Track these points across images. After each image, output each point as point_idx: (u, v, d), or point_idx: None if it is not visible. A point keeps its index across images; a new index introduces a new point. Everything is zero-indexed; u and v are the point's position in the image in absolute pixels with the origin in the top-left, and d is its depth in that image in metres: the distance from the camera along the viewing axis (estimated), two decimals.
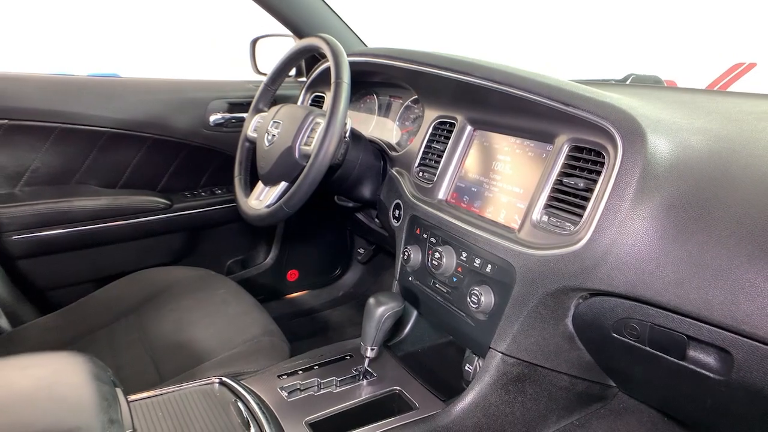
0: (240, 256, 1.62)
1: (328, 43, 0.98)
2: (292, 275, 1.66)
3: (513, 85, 0.78)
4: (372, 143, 1.15)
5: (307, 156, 0.93)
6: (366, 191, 1.13)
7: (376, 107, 1.26)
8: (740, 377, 0.56)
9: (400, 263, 0.97)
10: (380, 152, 1.13)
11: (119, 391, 0.60)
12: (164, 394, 0.75)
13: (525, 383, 0.78)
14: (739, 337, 0.54)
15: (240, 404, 0.73)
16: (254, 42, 1.54)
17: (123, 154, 1.34)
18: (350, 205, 1.21)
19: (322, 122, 0.92)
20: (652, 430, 0.90)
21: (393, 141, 1.17)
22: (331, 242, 1.72)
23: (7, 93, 1.18)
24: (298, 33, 1.39)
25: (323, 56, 1.25)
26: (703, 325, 0.57)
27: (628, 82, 1.28)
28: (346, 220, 1.42)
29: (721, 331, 0.56)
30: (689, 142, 0.64)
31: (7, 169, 1.22)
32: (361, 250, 1.70)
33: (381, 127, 1.24)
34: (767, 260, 0.52)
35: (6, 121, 1.17)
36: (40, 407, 0.52)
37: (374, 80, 1.22)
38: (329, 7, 1.39)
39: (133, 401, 0.73)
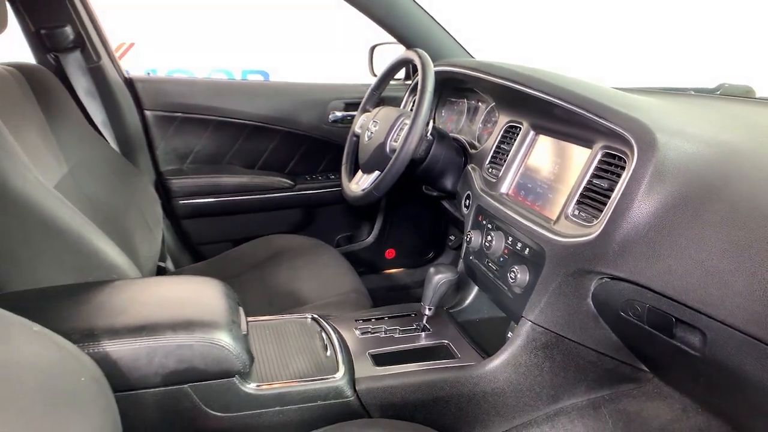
0: (347, 233, 1.90)
1: (419, 57, 1.18)
2: (390, 253, 1.90)
3: (561, 98, 0.92)
4: (456, 141, 1.33)
5: (394, 150, 1.14)
6: (448, 183, 1.31)
7: (465, 109, 1.44)
8: (712, 354, 0.67)
9: (465, 245, 1.15)
10: (462, 149, 1.31)
11: (240, 309, 0.88)
12: (271, 320, 1.03)
13: (553, 351, 0.92)
14: (710, 320, 0.65)
15: (323, 334, 0.98)
16: (372, 49, 1.79)
17: (260, 143, 1.68)
18: (434, 194, 1.40)
19: (408, 123, 1.12)
20: (681, 417, 0.98)
21: (474, 140, 1.33)
22: (427, 228, 1.92)
23: (182, 93, 1.56)
24: (406, 43, 1.60)
25: None
26: (685, 308, 0.68)
27: (718, 92, 1.30)
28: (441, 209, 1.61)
29: (696, 313, 0.66)
30: (699, 153, 0.74)
31: (178, 150, 1.62)
32: (452, 237, 1.88)
33: (467, 127, 1.41)
34: (737, 256, 0.62)
35: (180, 114, 1.56)
36: (190, 305, 0.80)
37: (464, 86, 1.40)
38: (435, 20, 1.58)
39: (249, 321, 1.01)
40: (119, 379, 0.71)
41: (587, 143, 0.90)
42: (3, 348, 0.56)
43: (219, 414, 0.79)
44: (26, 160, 0.86)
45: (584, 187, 0.86)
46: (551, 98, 0.93)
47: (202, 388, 0.77)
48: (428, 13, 1.57)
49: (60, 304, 0.77)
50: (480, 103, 1.37)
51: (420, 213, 1.88)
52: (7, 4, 1.09)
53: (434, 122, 1.56)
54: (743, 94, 1.26)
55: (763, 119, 0.89)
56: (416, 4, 1.54)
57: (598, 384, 0.98)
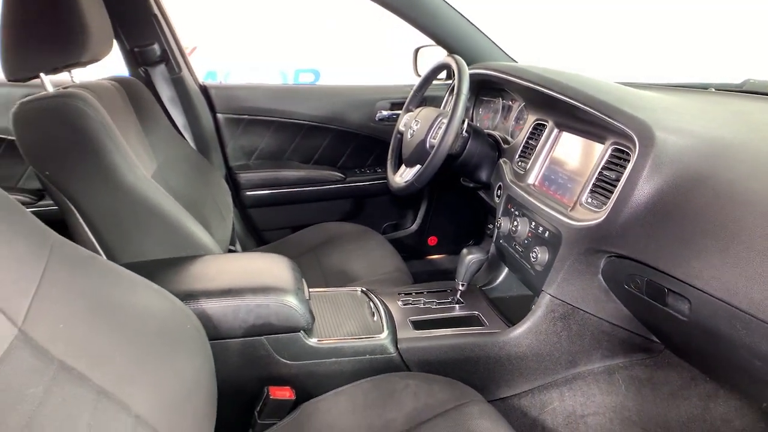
0: (393, 221, 2.07)
1: (456, 62, 1.32)
2: (432, 240, 2.06)
3: (579, 100, 1.05)
4: (490, 137, 1.47)
5: (433, 146, 1.30)
6: (483, 175, 1.46)
7: (500, 108, 1.57)
8: (696, 318, 0.79)
9: (495, 230, 1.29)
10: (496, 144, 1.45)
11: (303, 280, 1.06)
12: (327, 291, 1.21)
13: (569, 321, 1.06)
14: (693, 289, 0.77)
15: (371, 303, 1.16)
16: (416, 51, 1.94)
17: (315, 141, 1.88)
18: (471, 185, 1.55)
19: (446, 122, 1.27)
20: (690, 385, 1.09)
21: (508, 135, 1.47)
22: (467, 217, 2.07)
23: (248, 98, 1.77)
24: (447, 47, 1.74)
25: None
26: (674, 279, 0.80)
27: (743, 88, 1.37)
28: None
29: (682, 284, 0.79)
30: (692, 147, 0.85)
31: (245, 148, 1.84)
32: (491, 226, 2.01)
33: (501, 124, 1.55)
34: (714, 235, 0.74)
35: (246, 116, 1.78)
36: (265, 274, 0.99)
37: (498, 87, 1.53)
38: (474, 25, 1.72)
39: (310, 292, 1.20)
40: (212, 330, 0.91)
41: (601, 139, 1.02)
42: (133, 299, 0.77)
43: (287, 361, 0.98)
44: (133, 157, 1.08)
45: (596, 178, 0.99)
46: (570, 100, 1.06)
47: (274, 340, 0.96)
48: (467, 19, 1.70)
49: (167, 272, 0.98)
50: (513, 103, 1.50)
51: (460, 203, 2.02)
52: None
53: (472, 119, 1.70)
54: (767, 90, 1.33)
55: (756, 117, 0.98)
56: (456, 11, 1.68)
57: (613, 352, 1.10)
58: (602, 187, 0.97)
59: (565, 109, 1.13)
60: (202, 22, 4.29)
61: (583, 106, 1.03)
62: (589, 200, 0.99)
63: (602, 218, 0.91)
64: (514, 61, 1.76)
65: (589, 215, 0.96)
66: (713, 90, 1.29)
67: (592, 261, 0.97)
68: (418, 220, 2.02)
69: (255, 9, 4.54)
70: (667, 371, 1.11)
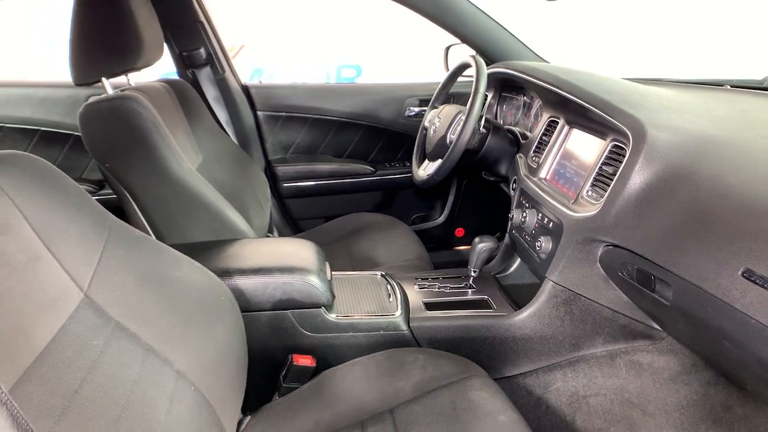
0: (422, 213, 2.17)
1: (475, 63, 1.40)
2: (459, 232, 2.14)
3: (584, 99, 1.11)
4: (510, 132, 1.54)
5: (452, 142, 1.38)
6: (502, 169, 1.53)
7: (521, 104, 1.63)
8: (677, 303, 0.85)
9: (509, 222, 1.37)
10: (515, 139, 1.52)
11: (327, 263, 1.18)
12: (350, 274, 1.33)
13: (571, 306, 1.13)
14: (674, 276, 0.84)
15: (388, 286, 1.27)
16: (447, 48, 2.02)
17: (347, 136, 2.00)
18: (491, 179, 1.62)
19: (464, 119, 1.36)
20: (690, 371, 1.14)
21: (527, 131, 1.53)
22: (493, 209, 2.13)
23: (285, 96, 1.91)
24: (474, 46, 1.81)
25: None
26: (658, 267, 0.87)
27: (764, 84, 1.39)
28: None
29: (665, 270, 0.85)
30: (682, 144, 0.91)
31: (282, 143, 1.98)
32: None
33: (522, 120, 1.61)
34: (691, 225, 0.80)
35: (284, 113, 1.92)
36: (292, 256, 1.12)
37: (518, 85, 1.60)
38: (500, 25, 1.78)
39: (334, 275, 1.32)
40: (244, 303, 1.04)
41: (603, 136, 1.09)
42: (177, 274, 0.90)
43: (310, 333, 1.11)
44: (180, 151, 1.23)
45: (596, 173, 1.06)
46: (577, 99, 1.13)
47: (298, 314, 1.09)
48: (492, 18, 1.77)
49: (207, 252, 1.12)
50: (532, 100, 1.57)
51: (487, 196, 2.09)
52: None
53: (496, 115, 1.77)
54: None
55: (743, 116, 1.02)
56: (481, 11, 1.74)
57: (614, 338, 1.16)
58: (602, 181, 1.04)
59: (575, 107, 1.20)
60: (249, 21, 4.48)
61: (587, 104, 1.09)
62: (590, 193, 1.06)
63: (597, 210, 0.98)
64: (540, 57, 1.82)
65: (588, 207, 1.03)
66: (728, 87, 1.31)
67: (590, 250, 1.04)
68: (446, 212, 2.11)
69: (300, 7, 4.70)
70: (668, 357, 1.16)
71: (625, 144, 0.99)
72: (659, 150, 0.91)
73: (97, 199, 0.83)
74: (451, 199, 2.09)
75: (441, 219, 2.12)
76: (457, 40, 1.91)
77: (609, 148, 1.04)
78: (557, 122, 1.29)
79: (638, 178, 0.91)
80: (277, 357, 1.11)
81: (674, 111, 1.04)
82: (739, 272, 0.71)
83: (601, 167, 1.05)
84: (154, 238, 1.20)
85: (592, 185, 1.06)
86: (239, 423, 0.99)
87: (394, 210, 2.09)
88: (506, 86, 1.71)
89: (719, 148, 0.89)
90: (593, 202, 1.03)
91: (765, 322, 0.67)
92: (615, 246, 0.98)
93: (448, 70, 2.00)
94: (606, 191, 0.99)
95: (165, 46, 1.52)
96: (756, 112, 1.06)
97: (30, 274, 0.64)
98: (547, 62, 1.79)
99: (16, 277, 0.62)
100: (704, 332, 0.84)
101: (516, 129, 1.56)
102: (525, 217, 1.23)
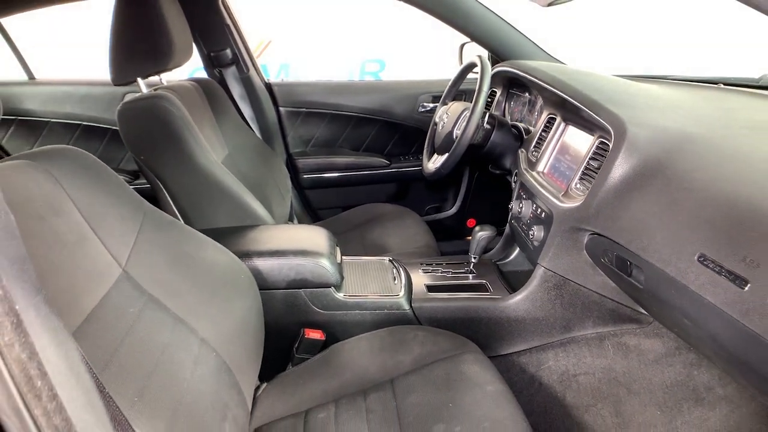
0: (435, 204, 2.26)
1: (481, 61, 1.49)
2: (471, 222, 2.23)
3: (575, 97, 1.19)
4: (515, 128, 1.62)
5: (457, 137, 1.48)
6: (507, 163, 1.61)
7: (527, 101, 1.71)
8: (649, 287, 0.93)
9: (510, 213, 1.46)
10: (520, 135, 1.60)
11: (338, 247, 1.30)
12: (360, 259, 1.44)
13: (562, 290, 1.22)
14: (645, 261, 0.92)
15: (394, 270, 1.37)
16: (462, 46, 2.10)
17: (364, 131, 2.11)
18: (497, 172, 1.71)
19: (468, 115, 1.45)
20: (674, 353, 1.21)
21: (531, 127, 1.61)
22: (504, 201, 2.21)
23: (306, 93, 2.03)
24: (484, 45, 1.89)
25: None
26: (632, 253, 0.95)
27: (760, 83, 1.43)
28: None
29: (638, 257, 0.93)
30: (659, 140, 0.98)
31: (303, 137, 2.10)
32: None
33: (527, 116, 1.69)
34: (660, 215, 0.88)
35: (304, 109, 2.03)
36: (306, 241, 1.24)
37: (523, 83, 1.67)
38: (510, 24, 1.85)
39: (346, 260, 1.43)
40: (261, 282, 1.16)
41: (592, 132, 1.16)
42: (202, 254, 1.03)
43: (320, 310, 1.23)
44: (207, 145, 1.36)
45: (584, 167, 1.14)
46: (569, 98, 1.21)
47: (310, 293, 1.21)
48: (502, 18, 1.84)
49: (229, 236, 1.25)
50: (536, 97, 1.64)
51: (497, 188, 2.17)
52: None
53: (504, 111, 1.85)
54: None
55: (751, 113, 1.08)
56: (492, 12, 1.82)
57: (603, 321, 1.25)
58: (589, 174, 1.12)
59: (569, 105, 1.27)
60: (276, 18, 4.61)
61: (577, 102, 1.17)
62: (578, 186, 1.14)
63: (582, 201, 1.07)
64: (550, 55, 1.88)
65: (575, 199, 1.12)
66: (721, 86, 1.36)
67: (577, 238, 1.13)
68: (458, 204, 2.20)
69: (325, 3, 4.80)
70: (653, 340, 1.24)
71: (608, 140, 1.06)
72: (638, 146, 0.99)
73: (133, 188, 0.96)
74: (463, 190, 2.18)
75: (453, 210, 2.21)
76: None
77: (596, 144, 1.12)
78: (555, 119, 1.37)
79: (617, 172, 0.99)
80: (290, 331, 1.23)
81: (658, 109, 1.11)
82: (695, 257, 0.79)
83: (588, 162, 1.13)
84: (183, 223, 1.34)
85: (581, 178, 1.14)
86: (257, 389, 1.12)
87: (408, 201, 2.19)
88: (513, 84, 1.78)
89: (693, 145, 0.96)
90: (579, 194, 1.12)
91: (714, 301, 0.76)
92: (597, 234, 1.06)
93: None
94: (591, 184, 1.07)
95: (194, 47, 1.65)
96: (740, 110, 1.12)
97: (78, 250, 0.77)
98: (559, 61, 1.85)
99: (67, 252, 0.75)
100: (670, 312, 0.92)
101: (521, 125, 1.63)
102: (521, 207, 1.32)
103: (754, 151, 0.86)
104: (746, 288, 0.71)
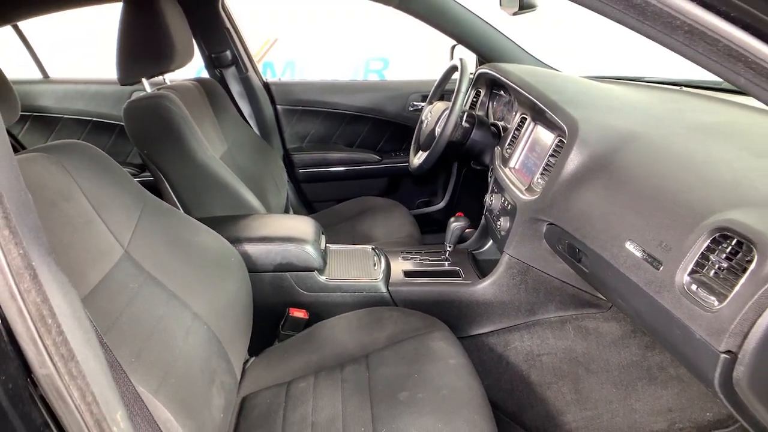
0: (424, 198, 2.38)
1: (461, 64, 1.59)
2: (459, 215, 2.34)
3: (538, 99, 1.29)
4: (494, 126, 1.72)
5: (437, 135, 1.58)
6: (486, 159, 1.71)
7: (507, 101, 1.81)
8: (592, 271, 1.04)
9: (485, 206, 1.56)
10: (498, 133, 1.70)
11: (323, 236, 1.42)
12: (346, 247, 1.56)
13: (526, 276, 1.32)
14: (587, 247, 1.02)
15: (375, 257, 1.49)
16: (453, 47, 2.20)
17: (357, 128, 2.22)
18: (478, 167, 1.81)
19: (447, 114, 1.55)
20: (630, 336, 1.31)
21: (509, 125, 1.71)
22: None
23: (302, 92, 2.15)
24: (471, 48, 1.99)
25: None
26: (578, 240, 1.06)
27: (722, 85, 1.52)
28: None
29: (582, 243, 1.04)
30: (608, 138, 1.07)
31: (299, 133, 2.22)
32: None
33: (507, 115, 1.79)
34: (600, 206, 0.99)
35: (300, 107, 2.15)
36: (293, 229, 1.36)
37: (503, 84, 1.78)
38: (495, 28, 1.95)
39: (333, 248, 1.55)
40: (250, 265, 1.28)
41: (555, 130, 1.27)
42: (197, 239, 1.15)
43: (305, 292, 1.35)
44: (205, 141, 1.48)
45: (545, 163, 1.24)
46: (533, 98, 1.31)
47: (295, 276, 1.33)
48: (488, 23, 1.94)
49: (223, 223, 1.37)
50: (512, 97, 1.74)
51: (483, 183, 2.27)
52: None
53: (487, 111, 1.95)
54: None
55: (698, 115, 1.18)
56: (478, 17, 1.92)
57: (565, 305, 1.35)
58: (548, 170, 1.22)
59: (537, 106, 1.38)
60: (282, 17, 4.72)
61: (539, 103, 1.28)
62: (539, 180, 1.25)
63: (539, 194, 1.17)
64: (537, 59, 1.98)
65: (534, 192, 1.22)
66: (682, 88, 1.46)
67: (536, 228, 1.24)
68: (447, 198, 2.31)
69: (331, 2, 4.89)
70: (611, 323, 1.34)
71: (564, 138, 1.17)
72: (588, 143, 1.09)
73: (138, 181, 1.08)
74: (451, 185, 2.29)
75: (442, 204, 2.32)
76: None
77: (555, 141, 1.23)
78: (526, 119, 1.47)
79: (570, 167, 1.10)
80: (277, 310, 1.35)
81: (614, 110, 1.21)
82: (625, 243, 0.90)
83: (548, 158, 1.23)
84: (180, 211, 1.46)
85: (541, 173, 1.25)
86: (246, 362, 1.24)
87: (398, 195, 2.30)
88: (495, 85, 1.88)
89: (635, 143, 1.07)
90: (539, 189, 1.22)
91: (637, 281, 0.86)
92: (552, 224, 1.17)
93: None
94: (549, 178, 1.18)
95: (196, 49, 1.77)
96: (688, 112, 1.22)
97: (86, 231, 0.89)
98: (544, 63, 1.95)
99: (76, 233, 0.87)
100: (610, 293, 1.03)
101: (501, 123, 1.74)
102: (493, 200, 1.43)
103: (683, 150, 0.96)
104: (660, 269, 0.81)
